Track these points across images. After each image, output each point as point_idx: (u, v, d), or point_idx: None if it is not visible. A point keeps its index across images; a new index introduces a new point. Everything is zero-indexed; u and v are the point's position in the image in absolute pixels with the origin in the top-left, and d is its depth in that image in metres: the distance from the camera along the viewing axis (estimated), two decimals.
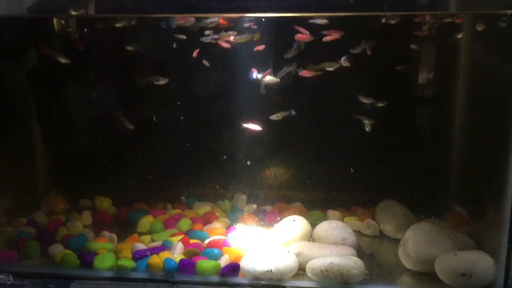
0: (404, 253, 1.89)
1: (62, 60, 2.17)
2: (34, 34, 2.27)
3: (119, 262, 1.87)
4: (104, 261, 1.88)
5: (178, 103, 2.24)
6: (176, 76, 2.24)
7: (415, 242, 1.87)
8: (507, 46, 1.79)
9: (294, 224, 2.06)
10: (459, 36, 2.13)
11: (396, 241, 2.02)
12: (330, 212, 2.31)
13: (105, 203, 2.39)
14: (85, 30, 2.25)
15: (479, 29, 1.92)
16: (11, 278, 1.83)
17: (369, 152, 2.28)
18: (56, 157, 2.47)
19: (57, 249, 1.97)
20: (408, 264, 1.89)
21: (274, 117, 2.13)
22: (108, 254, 1.92)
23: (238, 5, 1.68)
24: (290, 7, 1.74)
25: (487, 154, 1.93)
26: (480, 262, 1.73)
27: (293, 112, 2.13)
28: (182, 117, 2.23)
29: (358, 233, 2.18)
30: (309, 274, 1.82)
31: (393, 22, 1.92)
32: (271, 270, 1.79)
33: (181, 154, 2.31)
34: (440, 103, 2.30)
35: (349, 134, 2.29)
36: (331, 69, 2.05)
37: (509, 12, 1.69)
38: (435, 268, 1.80)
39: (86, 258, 1.90)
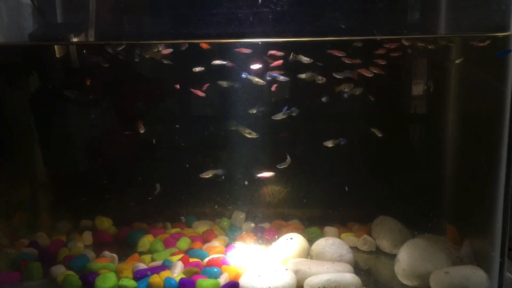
0: (400, 269, 1.93)
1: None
2: (35, 59, 2.32)
3: (121, 282, 1.90)
4: (106, 282, 1.91)
5: (177, 126, 2.29)
6: (174, 98, 2.29)
7: (410, 257, 1.91)
8: (496, 64, 1.85)
9: (292, 242, 2.10)
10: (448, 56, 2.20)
11: (392, 256, 2.06)
12: (327, 229, 2.34)
13: (105, 223, 2.42)
14: (86, 55, 2.30)
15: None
16: None
17: (364, 170, 2.33)
18: (57, 179, 2.51)
19: (59, 270, 2.00)
20: (404, 280, 1.92)
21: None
22: (109, 274, 1.94)
23: (234, 31, 1.74)
24: (284, 32, 1.80)
25: (478, 170, 1.98)
26: (474, 276, 1.78)
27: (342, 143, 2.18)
28: (180, 139, 2.28)
29: (354, 249, 2.21)
30: None
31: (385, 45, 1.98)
32: None
33: (180, 175, 2.35)
34: (432, 121, 2.35)
35: (344, 152, 2.33)
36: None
37: (495, 34, 1.75)
38: (430, 283, 1.84)
39: (88, 279, 1.92)
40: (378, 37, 1.86)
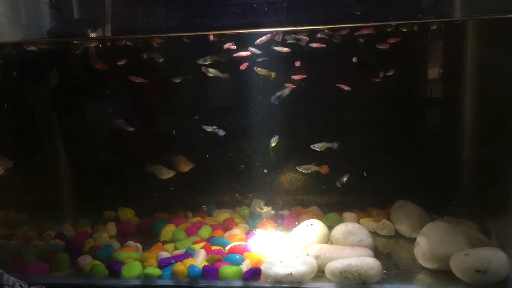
0: (420, 252, 1.94)
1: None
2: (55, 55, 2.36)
3: (146, 271, 1.95)
4: (132, 270, 1.97)
5: (196, 116, 2.32)
6: (194, 89, 2.32)
7: (430, 240, 1.92)
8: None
9: (312, 228, 2.13)
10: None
11: (412, 240, 2.07)
12: (346, 215, 2.37)
13: (128, 214, 2.48)
14: (103, 48, 2.34)
15: None
16: None
17: (383, 154, 2.34)
18: (80, 172, 2.57)
19: (86, 260, 2.06)
20: (424, 263, 1.94)
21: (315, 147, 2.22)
22: (134, 263, 2.00)
23: (250, 22, 1.75)
24: (298, 21, 1.81)
25: (497, 152, 1.98)
26: (494, 258, 1.78)
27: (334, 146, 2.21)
28: (200, 129, 2.31)
29: (374, 234, 2.23)
30: (328, 275, 1.88)
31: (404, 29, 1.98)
32: (291, 273, 1.86)
33: (201, 164, 2.39)
34: (451, 105, 2.35)
35: (362, 137, 2.35)
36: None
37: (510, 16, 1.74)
38: (450, 266, 1.85)
39: (114, 268, 1.98)
40: (393, 23, 1.86)
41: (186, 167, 2.31)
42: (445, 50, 2.29)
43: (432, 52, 2.30)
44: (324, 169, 2.26)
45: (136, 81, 2.23)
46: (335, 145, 2.19)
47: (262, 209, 2.36)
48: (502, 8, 1.71)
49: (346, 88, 2.10)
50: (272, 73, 2.10)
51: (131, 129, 2.25)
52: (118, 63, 2.20)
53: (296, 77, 2.16)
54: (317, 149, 2.20)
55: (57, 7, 2.23)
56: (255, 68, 2.11)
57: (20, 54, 2.29)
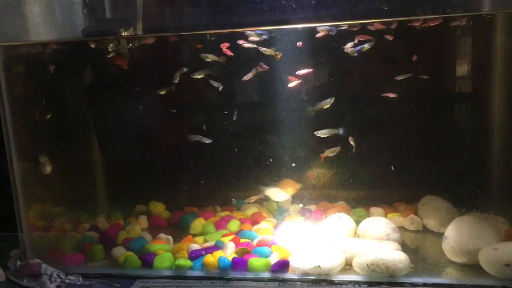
0: (448, 246, 1.94)
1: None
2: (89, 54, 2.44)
3: (177, 262, 2.01)
4: (163, 261, 2.03)
5: (226, 112, 2.36)
6: (224, 86, 2.36)
7: (459, 235, 1.92)
8: None
9: (340, 222, 2.15)
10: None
11: (440, 235, 2.07)
12: (373, 209, 2.38)
13: (159, 208, 2.55)
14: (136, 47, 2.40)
15: None
16: (81, 279, 2.00)
17: (410, 149, 2.34)
18: (113, 167, 2.65)
19: (120, 252, 2.13)
20: (452, 257, 1.94)
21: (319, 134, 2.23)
22: (166, 254, 2.06)
23: (278, 18, 1.78)
24: (326, 17, 1.82)
25: None
26: None
27: (341, 132, 2.21)
28: (230, 125, 2.35)
29: (401, 228, 2.24)
30: (355, 268, 1.90)
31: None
32: (319, 266, 1.88)
33: (230, 159, 2.43)
34: (480, 100, 2.33)
35: (389, 133, 2.35)
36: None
37: None
38: (479, 260, 1.84)
39: (147, 259, 2.05)
40: (421, 17, 1.86)
41: (294, 189, 2.36)
42: (474, 45, 2.27)
43: (461, 47, 2.29)
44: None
45: (119, 63, 2.28)
46: (341, 131, 2.19)
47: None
48: None
49: (392, 95, 2.11)
50: (278, 53, 2.11)
51: (208, 141, 2.31)
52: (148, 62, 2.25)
53: (301, 73, 2.19)
54: (321, 136, 2.20)
55: (91, 7, 2.30)
56: (259, 48, 2.12)
57: (56, 52, 2.36)
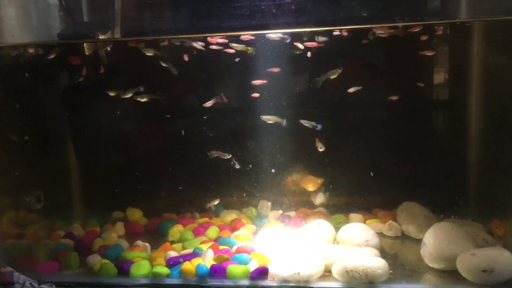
0: (426, 252, 1.95)
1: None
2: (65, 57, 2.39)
3: (154, 270, 1.97)
4: (140, 269, 1.99)
5: (205, 117, 2.34)
6: (201, 90, 2.35)
7: (437, 241, 1.93)
8: None
9: (319, 228, 2.14)
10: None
11: (418, 241, 2.08)
12: (353, 216, 2.38)
13: (136, 214, 2.51)
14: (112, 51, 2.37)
15: None
16: None
17: (388, 156, 2.35)
18: (89, 173, 2.60)
19: (95, 259, 2.08)
20: (430, 263, 1.95)
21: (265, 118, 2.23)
22: (143, 262, 2.02)
23: (258, 23, 1.78)
24: (306, 22, 1.83)
25: (503, 154, 1.99)
26: (500, 258, 1.79)
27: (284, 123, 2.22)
28: (209, 130, 2.34)
29: (380, 234, 2.24)
30: (335, 275, 1.89)
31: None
32: (298, 273, 1.87)
33: (209, 165, 2.41)
34: (457, 107, 2.36)
35: (367, 139, 2.36)
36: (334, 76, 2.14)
37: None
38: (457, 266, 1.86)
39: (123, 267, 2.00)
40: (400, 24, 1.87)
41: (315, 185, 2.34)
42: (452, 52, 2.30)
43: (438, 54, 2.31)
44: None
45: (74, 63, 2.27)
46: (318, 127, 2.19)
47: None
48: (507, 9, 1.72)
49: (351, 88, 2.12)
50: (250, 48, 2.11)
51: (227, 157, 2.29)
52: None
53: (256, 83, 2.20)
54: (266, 121, 2.21)
55: (68, 10, 2.26)
56: (230, 44, 2.11)
57: (31, 56, 2.32)
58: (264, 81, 2.20)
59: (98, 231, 2.38)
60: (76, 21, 2.28)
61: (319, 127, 2.19)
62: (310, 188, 2.36)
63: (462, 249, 1.87)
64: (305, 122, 2.20)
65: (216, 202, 2.39)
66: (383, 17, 1.81)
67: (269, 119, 2.21)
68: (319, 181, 2.35)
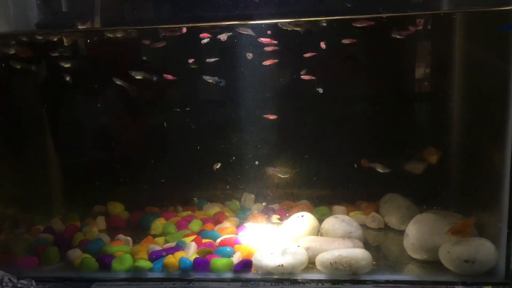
0: (409, 243, 1.97)
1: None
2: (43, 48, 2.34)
3: (136, 263, 1.95)
4: (122, 263, 1.96)
5: (187, 109, 2.31)
6: (184, 82, 2.31)
7: (419, 232, 1.95)
8: (499, 42, 1.86)
9: (302, 220, 2.14)
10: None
11: (401, 232, 2.09)
12: (336, 208, 2.39)
13: (118, 208, 2.47)
14: (91, 42, 2.33)
15: None
16: (34, 283, 1.90)
17: (371, 148, 2.36)
18: (69, 166, 2.55)
19: (76, 254, 2.05)
20: (413, 254, 1.96)
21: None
22: (125, 256, 1.99)
23: (241, 14, 1.76)
24: (290, 13, 1.81)
25: (485, 145, 2.00)
26: (482, 248, 1.81)
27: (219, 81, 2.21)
28: (191, 122, 2.30)
29: (363, 226, 2.25)
30: (318, 267, 1.90)
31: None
32: (282, 265, 1.87)
33: (192, 158, 2.38)
34: (439, 99, 2.37)
35: (351, 132, 2.37)
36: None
37: (497, 9, 1.76)
38: (439, 256, 1.88)
39: (104, 261, 1.98)
40: (383, 15, 1.87)
41: (435, 156, 2.28)
42: (434, 44, 2.31)
43: (420, 46, 2.32)
44: None
45: (22, 55, 2.21)
46: (221, 83, 2.18)
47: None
48: (490, 1, 1.73)
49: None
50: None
51: (285, 176, 2.30)
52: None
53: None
54: (135, 76, 2.19)
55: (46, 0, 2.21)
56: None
57: (7, 46, 2.26)
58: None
59: (78, 226, 2.34)
60: (55, 10, 2.22)
61: (223, 82, 2.17)
62: (431, 159, 2.32)
63: (444, 240, 1.89)
64: (208, 78, 2.17)
65: (218, 165, 2.33)
66: (367, 9, 1.80)
67: (137, 74, 2.18)
68: (439, 153, 2.30)
